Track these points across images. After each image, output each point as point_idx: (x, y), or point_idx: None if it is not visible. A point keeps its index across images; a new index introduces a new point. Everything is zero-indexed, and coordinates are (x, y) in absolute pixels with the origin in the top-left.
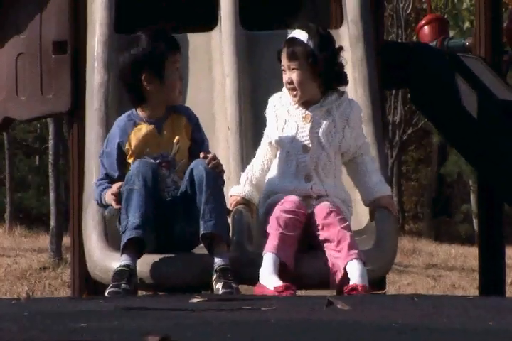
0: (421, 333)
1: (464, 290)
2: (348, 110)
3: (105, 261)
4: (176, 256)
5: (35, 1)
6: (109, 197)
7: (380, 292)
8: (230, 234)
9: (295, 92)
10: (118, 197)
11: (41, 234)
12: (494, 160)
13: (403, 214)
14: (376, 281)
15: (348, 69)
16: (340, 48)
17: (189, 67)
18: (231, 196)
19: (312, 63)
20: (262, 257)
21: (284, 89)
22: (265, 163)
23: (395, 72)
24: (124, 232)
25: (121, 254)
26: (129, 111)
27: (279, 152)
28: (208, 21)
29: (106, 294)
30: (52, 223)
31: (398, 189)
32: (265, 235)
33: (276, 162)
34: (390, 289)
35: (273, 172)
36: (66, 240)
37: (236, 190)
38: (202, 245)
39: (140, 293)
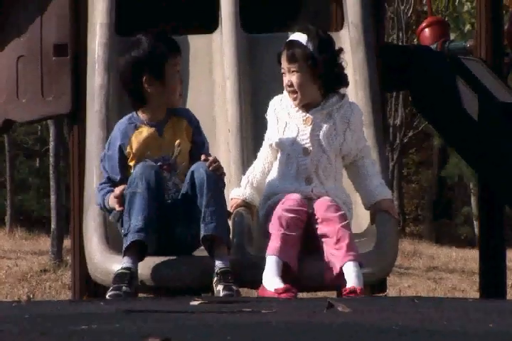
0: (421, 335)
1: (465, 292)
2: (349, 113)
3: (106, 263)
4: (176, 258)
5: (35, 4)
6: (112, 201)
7: (380, 294)
8: (231, 237)
9: (295, 95)
10: (121, 199)
11: (42, 237)
12: (495, 162)
13: (404, 216)
14: (377, 284)
15: (349, 72)
16: (340, 50)
17: (190, 69)
18: (232, 198)
19: (312, 65)
20: (263, 259)
21: (285, 91)
22: (266, 165)
23: (396, 74)
24: (126, 235)
25: (123, 257)
26: (130, 114)
27: (279, 154)
28: (209, 23)
29: (107, 296)
30: (52, 225)
31: (399, 191)
32: (267, 235)
33: (276, 164)
34: (391, 291)
35: (273, 174)
36: (67, 242)
37: (237, 192)
38: (202, 247)
39: (141, 295)
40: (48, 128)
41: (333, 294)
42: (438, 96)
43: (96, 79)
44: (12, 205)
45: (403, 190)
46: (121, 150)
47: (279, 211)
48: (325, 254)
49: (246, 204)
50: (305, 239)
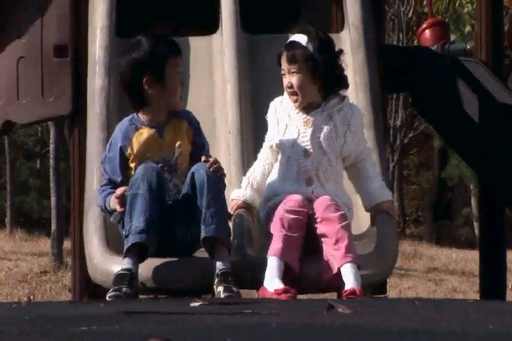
0: (422, 337)
1: (465, 294)
2: (350, 115)
3: (106, 264)
4: (176, 259)
5: (35, 5)
6: (113, 201)
7: (381, 296)
8: (231, 238)
9: (296, 97)
10: (122, 199)
11: (42, 238)
12: (495, 163)
13: (404, 217)
14: (377, 285)
15: (349, 74)
16: (341, 51)
17: (190, 70)
18: (232, 200)
19: (312, 66)
20: (263, 260)
21: (285, 93)
22: (266, 166)
23: (396, 76)
24: (127, 236)
25: (124, 258)
26: (131, 116)
27: (279, 156)
28: (209, 24)
29: (107, 298)
30: (53, 227)
31: (399, 193)
32: (268, 236)
33: (277, 166)
34: (391, 293)
35: (274, 176)
36: (67, 244)
37: (237, 193)
38: (203, 249)
39: (141, 296)
40: (49, 130)
41: (333, 295)
42: (438, 98)
43: (96, 81)
44: (12, 207)
45: (403, 191)
46: (122, 151)
47: (280, 212)
48: (324, 254)
49: (246, 206)
50: (305, 239)
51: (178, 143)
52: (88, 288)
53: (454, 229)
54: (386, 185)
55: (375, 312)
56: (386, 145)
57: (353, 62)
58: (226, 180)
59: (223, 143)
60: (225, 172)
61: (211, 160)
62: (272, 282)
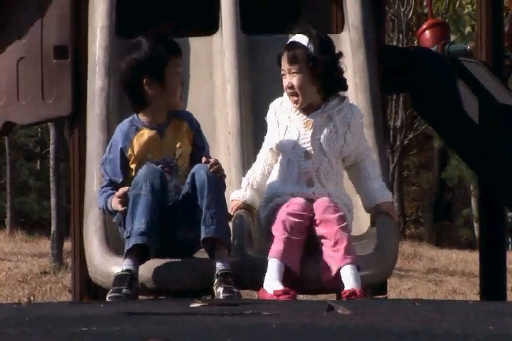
0: (422, 338)
1: (465, 295)
2: (349, 115)
3: (106, 265)
4: (176, 260)
5: (36, 6)
6: (114, 201)
7: (381, 296)
8: (231, 239)
9: (296, 98)
10: (123, 199)
11: (42, 239)
12: (495, 164)
13: (404, 218)
14: (377, 286)
15: (349, 75)
16: (340, 54)
17: (190, 70)
18: (232, 200)
19: (312, 67)
20: (263, 261)
21: (285, 94)
22: (266, 167)
23: (396, 76)
24: (128, 237)
25: (124, 259)
26: (131, 117)
27: (280, 158)
28: (209, 25)
29: (107, 298)
30: (53, 228)
31: (399, 193)
32: (269, 238)
33: (277, 167)
34: (391, 294)
35: (274, 177)
36: (67, 245)
37: (237, 194)
38: (203, 249)
39: (141, 297)
40: (49, 131)
41: (333, 297)
42: (438, 98)
43: (96, 82)
44: (12, 207)
45: (403, 192)
46: (122, 153)
47: (283, 214)
48: (323, 255)
49: (246, 207)
50: (306, 240)
51: (178, 144)
52: (88, 289)
53: (454, 230)
54: (386, 185)
55: (375, 313)
56: (386, 146)
57: (353, 63)
58: (226, 181)
59: (223, 144)
60: (225, 173)
61: (211, 161)
62: (272, 284)
